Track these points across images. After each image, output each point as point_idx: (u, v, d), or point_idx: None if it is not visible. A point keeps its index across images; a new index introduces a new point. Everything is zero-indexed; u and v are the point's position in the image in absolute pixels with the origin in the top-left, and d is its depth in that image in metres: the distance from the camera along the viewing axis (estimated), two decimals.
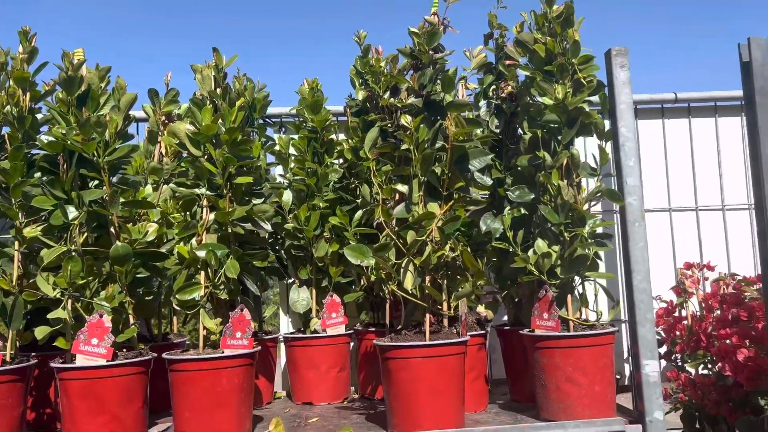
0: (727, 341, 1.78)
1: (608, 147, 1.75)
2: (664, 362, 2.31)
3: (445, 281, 1.73)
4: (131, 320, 1.68)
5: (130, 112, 1.93)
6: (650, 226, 2.54)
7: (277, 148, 2.26)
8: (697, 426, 2.11)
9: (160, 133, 2.21)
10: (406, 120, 1.67)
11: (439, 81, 1.76)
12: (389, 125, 1.91)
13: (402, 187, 1.71)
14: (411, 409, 1.57)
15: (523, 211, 1.83)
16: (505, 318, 2.20)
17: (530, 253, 1.69)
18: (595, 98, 1.79)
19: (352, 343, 2.23)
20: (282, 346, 2.30)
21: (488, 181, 1.91)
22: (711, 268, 2.12)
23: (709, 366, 2.07)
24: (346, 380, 2.14)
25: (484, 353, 1.90)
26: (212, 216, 1.74)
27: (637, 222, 1.62)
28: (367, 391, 2.13)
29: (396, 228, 1.70)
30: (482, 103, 2.08)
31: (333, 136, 2.26)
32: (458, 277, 1.77)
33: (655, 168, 2.53)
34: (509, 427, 1.59)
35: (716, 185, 2.54)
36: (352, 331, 2.17)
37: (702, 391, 1.95)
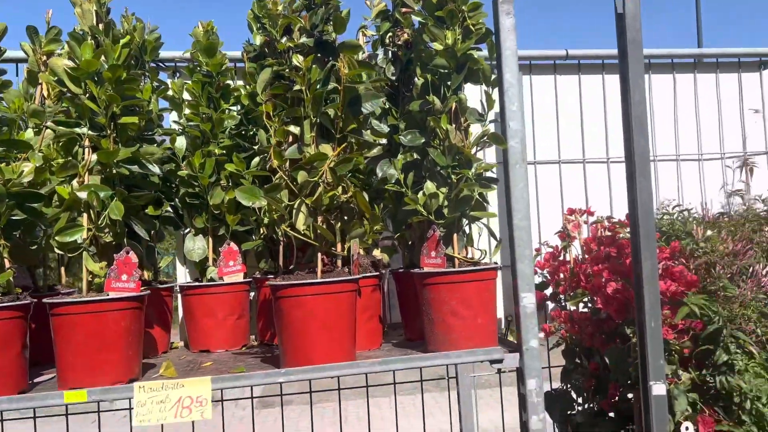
0: (601, 278, 1.92)
1: (495, 94, 1.82)
2: (552, 304, 2.47)
3: (339, 223, 1.76)
4: (7, 264, 1.60)
5: (9, 53, 1.81)
6: (542, 177, 2.68)
7: (170, 92, 2.18)
8: (577, 360, 2.28)
9: (41, 73, 2.08)
10: (297, 60, 1.66)
11: (331, 22, 1.75)
12: (285, 70, 1.89)
13: (294, 129, 1.71)
14: (303, 345, 1.60)
15: (415, 156, 1.87)
16: None
17: (420, 194, 1.74)
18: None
19: (252, 293, 2.23)
20: (179, 297, 2.27)
21: (385, 128, 1.95)
22: (591, 214, 2.26)
23: (589, 304, 2.23)
24: (245, 328, 2.15)
25: (378, 295, 1.95)
26: (95, 157, 1.67)
27: (518, 164, 1.70)
28: (266, 338, 2.15)
29: (289, 170, 1.70)
30: (379, 50, 2.09)
31: (230, 82, 2.21)
32: (354, 220, 1.80)
33: (547, 121, 2.66)
34: (396, 358, 1.65)
35: (602, 139, 2.71)
36: (251, 280, 2.17)
37: (579, 326, 2.11)
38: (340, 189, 1.68)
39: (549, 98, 2.66)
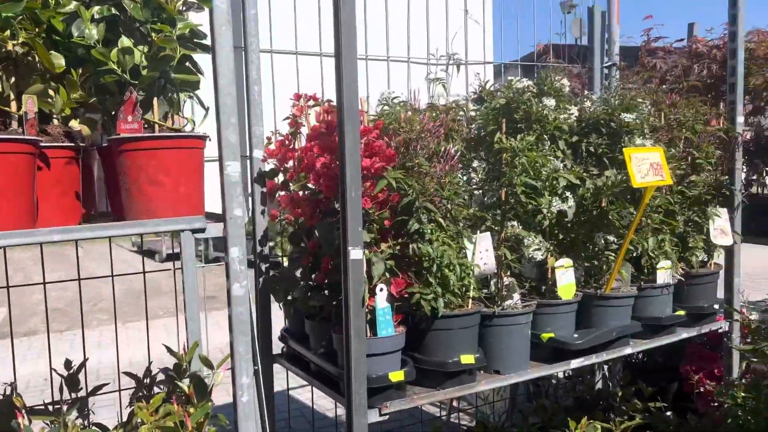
0: (313, 155, 1.97)
1: None
2: (282, 192, 2.50)
3: (14, 78, 1.53)
4: None
5: None
6: (279, 68, 2.65)
7: None
8: (302, 244, 2.36)
9: None
10: None
11: None
12: None
13: None
14: None
15: (113, 11, 1.68)
16: None
17: (114, 51, 1.58)
18: None
19: None
20: None
21: None
22: (315, 99, 2.30)
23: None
24: None
25: (75, 169, 1.76)
26: None
27: (224, 26, 1.62)
28: None
29: None
30: None
31: None
32: (37, 77, 1.58)
33: (284, 12, 2.61)
34: (82, 227, 1.52)
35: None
36: None
37: (301, 208, 2.17)
38: (8, 33, 1.44)
39: None
